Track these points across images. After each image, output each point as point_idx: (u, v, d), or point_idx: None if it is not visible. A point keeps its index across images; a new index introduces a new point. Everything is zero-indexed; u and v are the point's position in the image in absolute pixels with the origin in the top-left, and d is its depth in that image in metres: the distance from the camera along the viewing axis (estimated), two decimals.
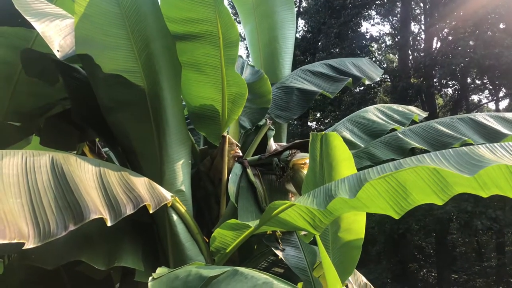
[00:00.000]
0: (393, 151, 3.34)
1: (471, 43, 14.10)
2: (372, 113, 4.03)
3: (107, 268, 2.21)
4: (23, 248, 1.46)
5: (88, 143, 3.60)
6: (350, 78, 3.54)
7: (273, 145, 3.00)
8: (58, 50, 2.36)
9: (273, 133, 3.08)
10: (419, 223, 15.30)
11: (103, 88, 2.45)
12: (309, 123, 20.83)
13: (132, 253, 2.36)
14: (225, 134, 2.74)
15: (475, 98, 20.02)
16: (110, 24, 2.37)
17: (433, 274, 17.64)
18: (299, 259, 2.75)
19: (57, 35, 2.39)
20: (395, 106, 4.35)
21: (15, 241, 1.42)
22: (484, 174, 1.78)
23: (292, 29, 3.65)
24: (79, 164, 1.88)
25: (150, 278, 1.61)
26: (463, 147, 1.73)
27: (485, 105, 19.92)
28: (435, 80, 15.63)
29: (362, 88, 18.71)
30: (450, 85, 16.96)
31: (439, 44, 16.13)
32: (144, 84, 2.45)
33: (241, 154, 2.80)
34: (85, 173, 1.86)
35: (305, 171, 2.73)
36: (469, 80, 16.73)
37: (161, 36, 2.51)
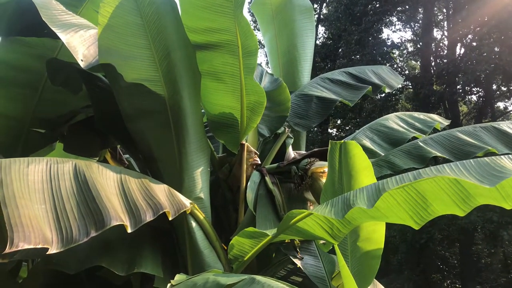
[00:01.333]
0: (413, 160, 3.30)
1: (496, 49, 13.79)
2: (393, 121, 3.99)
3: (127, 274, 2.24)
4: (47, 253, 1.51)
5: (110, 150, 3.68)
6: (370, 86, 3.52)
7: (291, 153, 3.00)
8: (82, 60, 2.43)
9: (291, 141, 3.08)
10: (442, 232, 14.97)
11: (125, 97, 2.50)
12: (329, 130, 20.69)
13: (152, 260, 2.39)
14: (243, 142, 2.76)
15: (501, 105, 19.56)
16: (132, 34, 2.43)
17: (457, 285, 17.20)
18: (318, 268, 2.74)
19: (81, 45, 2.46)
20: (416, 114, 4.29)
21: (39, 246, 1.47)
22: (507, 185, 1.74)
23: (312, 37, 3.66)
24: (101, 171, 1.92)
25: (169, 285, 1.63)
26: (485, 158, 1.70)
27: (511, 112, 19.44)
28: (458, 87, 15.34)
29: (383, 95, 18.49)
30: (475, 92, 16.60)
31: (462, 50, 15.84)
32: (164, 93, 2.49)
33: (259, 162, 2.81)
34: (106, 180, 1.90)
35: (323, 180, 2.72)
36: (494, 86, 16.35)
37: (182, 46, 2.55)
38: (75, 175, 1.79)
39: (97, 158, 3.76)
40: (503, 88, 16.55)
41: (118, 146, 3.30)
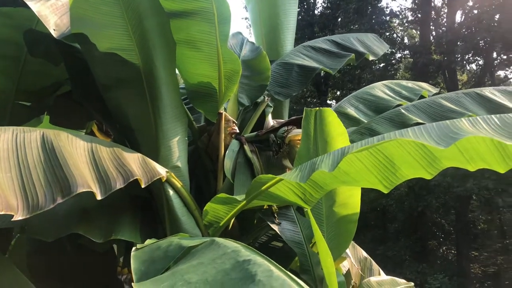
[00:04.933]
0: (395, 127, 3.30)
1: (496, 17, 13.55)
2: (379, 89, 3.97)
3: (105, 240, 2.30)
4: (12, 220, 1.54)
5: (96, 122, 3.69)
6: (353, 54, 3.49)
7: (270, 121, 3.01)
8: (54, 29, 2.42)
9: (271, 109, 3.08)
10: (439, 200, 15.15)
11: (99, 67, 2.50)
12: (328, 101, 20.62)
13: (130, 227, 2.44)
14: (221, 111, 2.76)
15: (501, 73, 19.36)
16: (104, 2, 2.39)
17: (452, 251, 17.53)
18: (295, 233, 2.79)
19: (53, 14, 2.44)
20: (404, 82, 4.28)
21: (3, 212, 1.50)
22: (470, 147, 1.75)
23: (294, 4, 3.60)
24: (70, 140, 1.94)
25: (134, 248, 1.67)
26: (447, 120, 1.71)
27: (510, 80, 19.26)
28: (457, 55, 15.16)
29: (382, 65, 18.30)
30: (473, 61, 16.41)
31: (462, 18, 15.57)
32: (139, 62, 2.48)
33: (237, 130, 2.82)
34: (76, 148, 1.92)
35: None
36: (494, 55, 16.15)
37: (155, 13, 2.52)
38: (42, 144, 1.81)
39: (84, 131, 3.78)
40: (504, 56, 16.34)
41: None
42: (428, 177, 1.94)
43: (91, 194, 1.77)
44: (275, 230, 3.10)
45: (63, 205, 1.79)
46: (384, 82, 4.15)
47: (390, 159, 1.94)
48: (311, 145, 2.53)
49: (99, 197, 1.83)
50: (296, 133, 2.71)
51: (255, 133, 2.87)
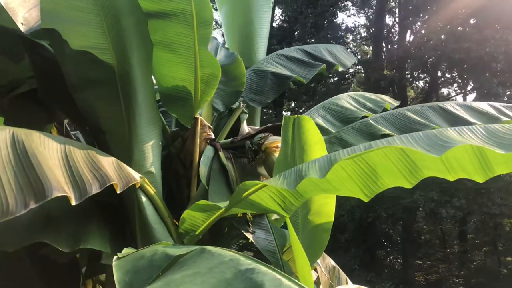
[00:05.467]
0: (364, 137, 3.37)
1: (442, 37, 14.40)
2: (345, 100, 4.07)
3: (72, 250, 2.14)
4: None
5: (56, 125, 3.48)
6: (324, 64, 3.55)
7: (246, 128, 2.98)
8: (22, 23, 2.26)
9: (246, 116, 3.05)
10: (388, 211, 15.70)
11: (71, 65, 2.36)
12: (283, 112, 20.92)
13: (99, 235, 2.30)
14: (197, 116, 2.69)
15: (444, 91, 20.55)
16: None
17: (399, 260, 18.19)
18: (269, 242, 2.76)
19: (22, 7, 2.29)
20: (367, 94, 4.40)
21: None
22: (452, 157, 1.81)
23: (268, 12, 3.61)
24: (43, 141, 1.80)
25: (115, 257, 1.57)
26: (433, 130, 1.76)
27: (453, 98, 20.46)
28: (407, 72, 15.93)
29: (336, 78, 18.85)
30: (422, 78, 17.32)
31: (412, 37, 16.42)
32: (113, 62, 2.37)
33: (213, 136, 2.76)
34: (48, 150, 1.78)
35: (277, 154, 2.72)
36: (439, 73, 17.13)
37: (133, 12, 2.42)
38: (12, 143, 1.66)
39: None
40: (447, 75, 17.38)
41: (66, 121, 3.11)
42: (408, 186, 1.98)
43: (56, 199, 1.64)
44: (245, 239, 3.06)
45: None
46: (349, 93, 4.26)
47: (373, 168, 1.96)
48: (289, 152, 2.52)
49: (73, 203, 1.70)
50: (273, 140, 2.69)
51: (230, 139, 2.82)
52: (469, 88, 17.94)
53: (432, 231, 19.70)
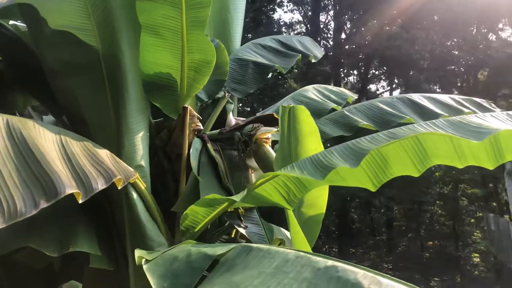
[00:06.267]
0: (341, 128, 3.40)
1: (375, 35, 15.12)
2: (312, 92, 4.08)
3: (60, 254, 1.90)
4: None
5: (26, 115, 3.08)
6: (300, 55, 3.51)
7: (232, 119, 2.85)
8: None
9: (232, 106, 2.92)
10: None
11: (49, 47, 2.08)
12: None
13: (87, 237, 2.07)
14: (186, 105, 2.52)
15: (372, 87, 21.66)
16: None
17: (334, 249, 18.96)
18: (261, 236, 2.67)
19: None
20: (330, 87, 4.46)
21: None
22: (465, 144, 1.86)
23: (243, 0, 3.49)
24: (38, 129, 1.56)
25: (143, 260, 1.39)
26: (456, 117, 1.78)
27: (381, 94, 21.64)
28: (342, 69, 16.54)
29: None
30: (356, 74, 18.10)
31: (347, 34, 17.06)
32: (98, 45, 2.13)
33: (202, 127, 2.60)
34: (45, 140, 1.55)
35: (268, 146, 2.64)
36: (371, 70, 18.01)
37: None
38: (8, 133, 1.42)
39: None
40: (378, 72, 18.33)
41: (29, 108, 2.76)
42: (416, 174, 2.01)
43: None
44: (228, 235, 2.94)
45: None
46: (314, 86, 4.28)
47: (384, 156, 1.96)
48: (285, 143, 2.44)
49: (80, 201, 1.50)
50: (264, 131, 2.60)
51: (217, 130, 2.67)
52: (394, 85, 19.11)
53: (363, 220, 20.79)
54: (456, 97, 3.74)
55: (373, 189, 2.05)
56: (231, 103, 2.92)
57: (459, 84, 16.65)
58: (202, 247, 1.42)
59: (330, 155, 1.81)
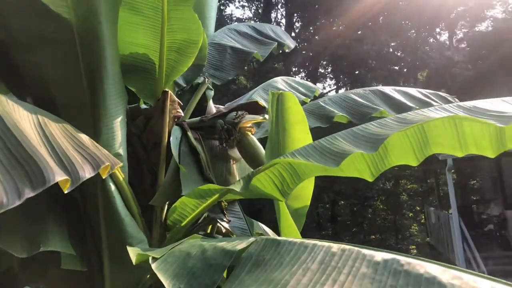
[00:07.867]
0: (317, 119, 3.33)
1: (326, 32, 15.39)
2: (281, 84, 4.00)
3: (30, 254, 1.64)
4: None
5: None
6: (276, 43, 3.39)
7: (213, 106, 2.66)
8: None
9: (212, 93, 2.72)
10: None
11: (13, 18, 1.79)
12: None
13: (58, 235, 1.81)
14: (167, 89, 2.29)
15: (319, 86, 22.09)
16: None
17: None
18: (244, 230, 2.54)
19: None
20: (297, 79, 4.41)
21: None
22: (469, 132, 1.83)
23: None
24: (12, 106, 1.31)
25: (151, 259, 1.19)
26: (464, 103, 1.74)
27: (328, 93, 22.16)
28: (293, 66, 16.68)
29: None
30: (306, 72, 18.33)
31: (298, 31, 17.22)
32: (71, 17, 1.87)
33: (182, 114, 2.39)
34: (23, 120, 1.30)
35: (251, 135, 2.49)
36: (320, 68, 18.34)
37: None
38: None
39: None
40: (327, 70, 18.70)
41: None
42: (414, 163, 1.96)
43: None
44: (204, 231, 2.77)
45: None
46: (282, 78, 4.22)
47: (385, 144, 1.89)
48: (273, 132, 2.31)
49: (66, 191, 1.28)
50: (249, 119, 2.44)
51: (198, 118, 2.47)
52: (340, 83, 19.59)
53: (309, 215, 21.14)
54: (423, 90, 3.81)
55: (370, 179, 1.97)
56: (211, 89, 2.73)
57: (401, 84, 17.41)
58: (216, 242, 1.25)
59: (336, 141, 1.70)
